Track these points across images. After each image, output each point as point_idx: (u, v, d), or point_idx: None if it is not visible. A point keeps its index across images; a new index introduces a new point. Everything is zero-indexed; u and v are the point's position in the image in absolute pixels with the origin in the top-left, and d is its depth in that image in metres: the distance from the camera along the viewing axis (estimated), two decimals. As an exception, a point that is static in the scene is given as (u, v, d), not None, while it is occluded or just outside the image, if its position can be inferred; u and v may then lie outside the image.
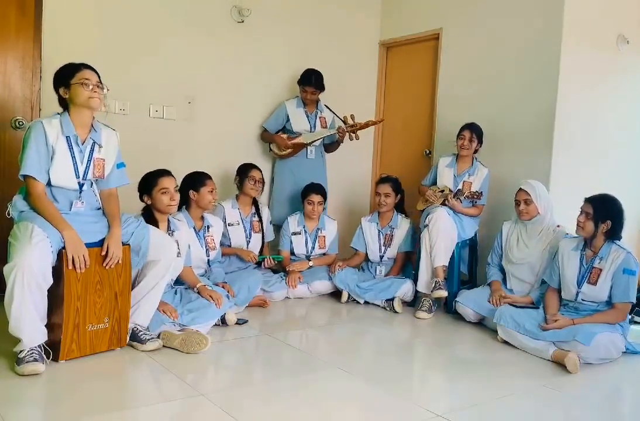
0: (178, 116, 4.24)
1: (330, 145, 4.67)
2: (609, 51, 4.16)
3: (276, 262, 4.08)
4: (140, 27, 4.01)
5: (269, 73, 4.63)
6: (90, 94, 2.65)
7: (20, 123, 3.61)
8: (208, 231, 3.65)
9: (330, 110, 4.60)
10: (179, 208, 3.51)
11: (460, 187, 3.95)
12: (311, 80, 4.41)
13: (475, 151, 4.01)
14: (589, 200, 3.12)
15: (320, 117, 4.59)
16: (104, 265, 2.67)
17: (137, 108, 4.03)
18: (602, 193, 3.15)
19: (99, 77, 2.72)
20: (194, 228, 3.58)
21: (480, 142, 3.98)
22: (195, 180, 3.59)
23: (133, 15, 3.98)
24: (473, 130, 3.94)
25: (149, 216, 3.16)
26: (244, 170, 4.07)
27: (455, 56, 4.59)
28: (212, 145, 4.40)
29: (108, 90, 2.74)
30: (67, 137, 2.66)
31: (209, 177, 3.65)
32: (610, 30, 4.16)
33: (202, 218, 3.67)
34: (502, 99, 4.25)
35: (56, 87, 2.71)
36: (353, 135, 4.43)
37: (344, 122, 4.45)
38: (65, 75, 2.67)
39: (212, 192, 3.58)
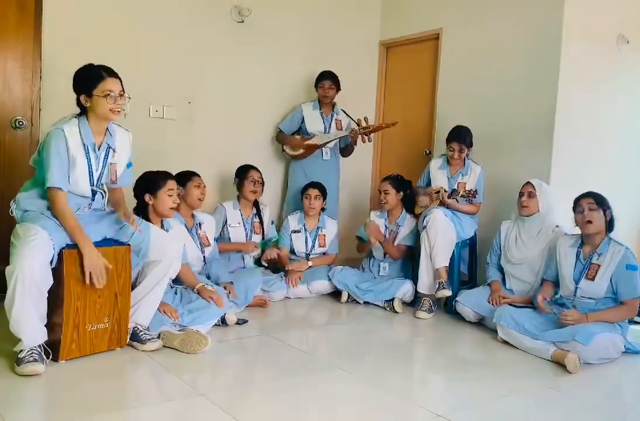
0: (178, 116, 4.24)
1: (345, 149, 4.69)
2: (609, 51, 4.16)
3: (273, 243, 4.12)
4: (140, 27, 4.01)
5: (269, 73, 4.63)
6: (113, 106, 2.60)
7: (20, 123, 3.61)
8: (200, 228, 3.65)
9: (347, 114, 4.63)
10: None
11: (455, 187, 3.95)
12: (325, 75, 4.51)
13: (466, 154, 4.01)
14: (586, 195, 3.14)
15: (336, 120, 4.62)
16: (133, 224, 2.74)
17: (137, 109, 4.02)
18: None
19: (122, 83, 2.67)
20: (185, 226, 3.56)
21: (470, 146, 3.96)
22: (180, 178, 3.54)
23: (133, 15, 3.98)
24: (461, 141, 3.91)
25: (142, 215, 3.13)
26: (242, 172, 4.08)
27: (455, 56, 4.59)
28: (212, 145, 4.40)
29: (130, 98, 2.71)
30: (85, 144, 2.64)
31: (194, 174, 3.65)
32: (610, 30, 4.16)
33: (192, 216, 3.66)
34: (502, 99, 4.24)
35: (76, 92, 2.64)
36: (366, 137, 4.45)
37: (358, 124, 4.47)
38: (88, 84, 2.60)
39: (198, 186, 3.60)
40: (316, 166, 4.54)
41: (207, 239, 3.67)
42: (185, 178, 3.59)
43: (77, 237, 2.55)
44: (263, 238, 4.15)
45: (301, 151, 4.49)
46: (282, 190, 4.76)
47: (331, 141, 4.52)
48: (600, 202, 3.08)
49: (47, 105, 3.64)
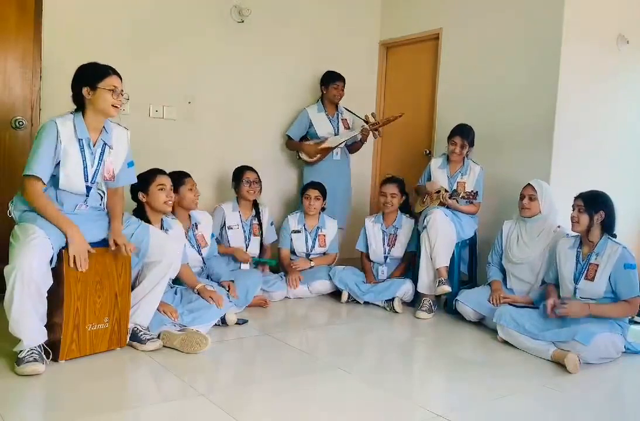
0: (178, 116, 4.24)
1: (353, 146, 4.71)
2: (609, 51, 4.16)
3: (268, 267, 4.13)
4: (140, 27, 4.01)
5: (268, 73, 4.64)
6: (114, 101, 2.62)
7: (20, 123, 3.61)
8: (197, 228, 3.60)
9: (350, 111, 4.66)
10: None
11: (455, 187, 3.95)
12: (338, 75, 4.55)
13: (466, 154, 4.01)
14: (578, 195, 3.17)
15: (342, 119, 4.65)
16: (124, 253, 2.68)
17: (137, 109, 4.02)
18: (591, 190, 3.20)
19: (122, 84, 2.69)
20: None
21: (472, 145, 3.97)
22: (173, 181, 3.34)
23: (133, 15, 3.98)
24: (464, 136, 3.92)
25: (141, 217, 3.12)
26: (238, 174, 4.07)
27: (455, 56, 4.59)
28: (212, 145, 4.40)
29: (128, 99, 2.72)
30: (79, 139, 2.63)
31: (187, 175, 3.54)
32: (610, 30, 4.16)
33: (189, 217, 3.60)
34: (502, 99, 4.25)
35: (78, 84, 2.63)
36: (376, 132, 4.51)
37: (366, 121, 4.49)
38: (94, 77, 2.61)
39: (192, 189, 3.51)
40: (330, 167, 4.58)
41: (205, 239, 3.62)
42: (177, 181, 3.43)
43: (60, 223, 2.53)
44: (261, 239, 4.14)
45: (318, 157, 4.52)
46: (296, 191, 4.73)
47: (343, 142, 4.54)
48: (590, 204, 3.08)
49: (47, 105, 3.64)
